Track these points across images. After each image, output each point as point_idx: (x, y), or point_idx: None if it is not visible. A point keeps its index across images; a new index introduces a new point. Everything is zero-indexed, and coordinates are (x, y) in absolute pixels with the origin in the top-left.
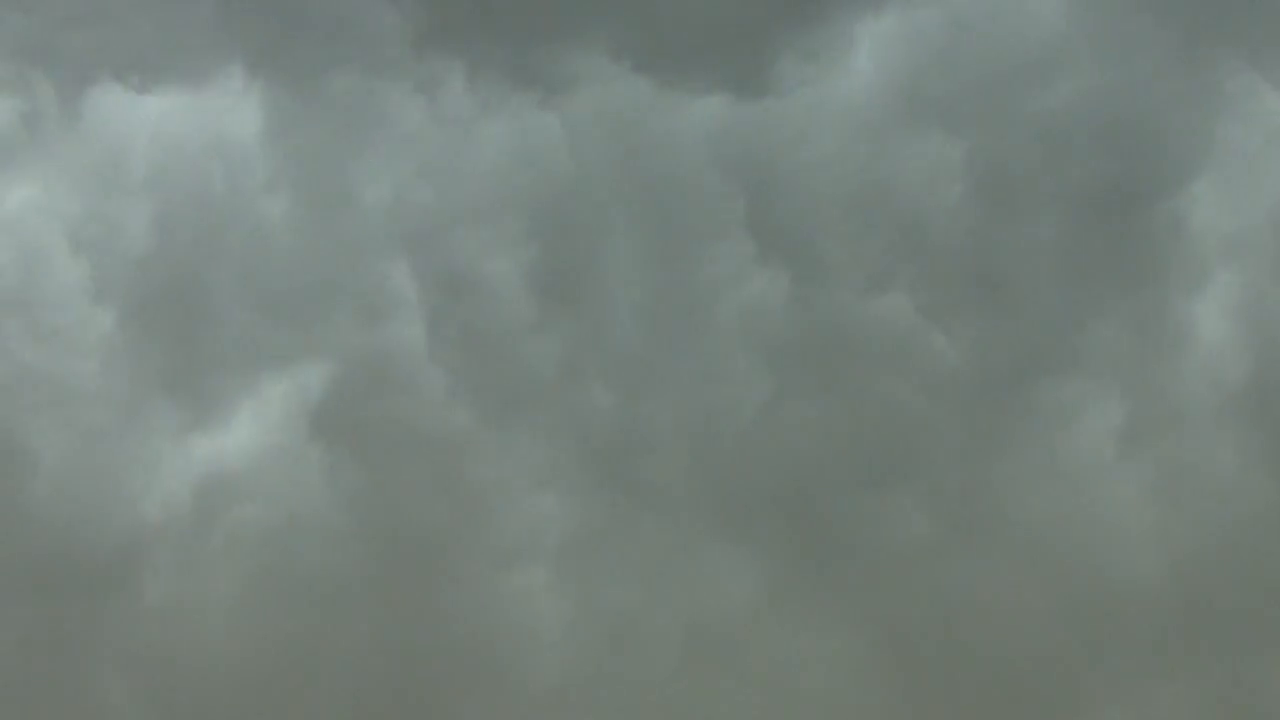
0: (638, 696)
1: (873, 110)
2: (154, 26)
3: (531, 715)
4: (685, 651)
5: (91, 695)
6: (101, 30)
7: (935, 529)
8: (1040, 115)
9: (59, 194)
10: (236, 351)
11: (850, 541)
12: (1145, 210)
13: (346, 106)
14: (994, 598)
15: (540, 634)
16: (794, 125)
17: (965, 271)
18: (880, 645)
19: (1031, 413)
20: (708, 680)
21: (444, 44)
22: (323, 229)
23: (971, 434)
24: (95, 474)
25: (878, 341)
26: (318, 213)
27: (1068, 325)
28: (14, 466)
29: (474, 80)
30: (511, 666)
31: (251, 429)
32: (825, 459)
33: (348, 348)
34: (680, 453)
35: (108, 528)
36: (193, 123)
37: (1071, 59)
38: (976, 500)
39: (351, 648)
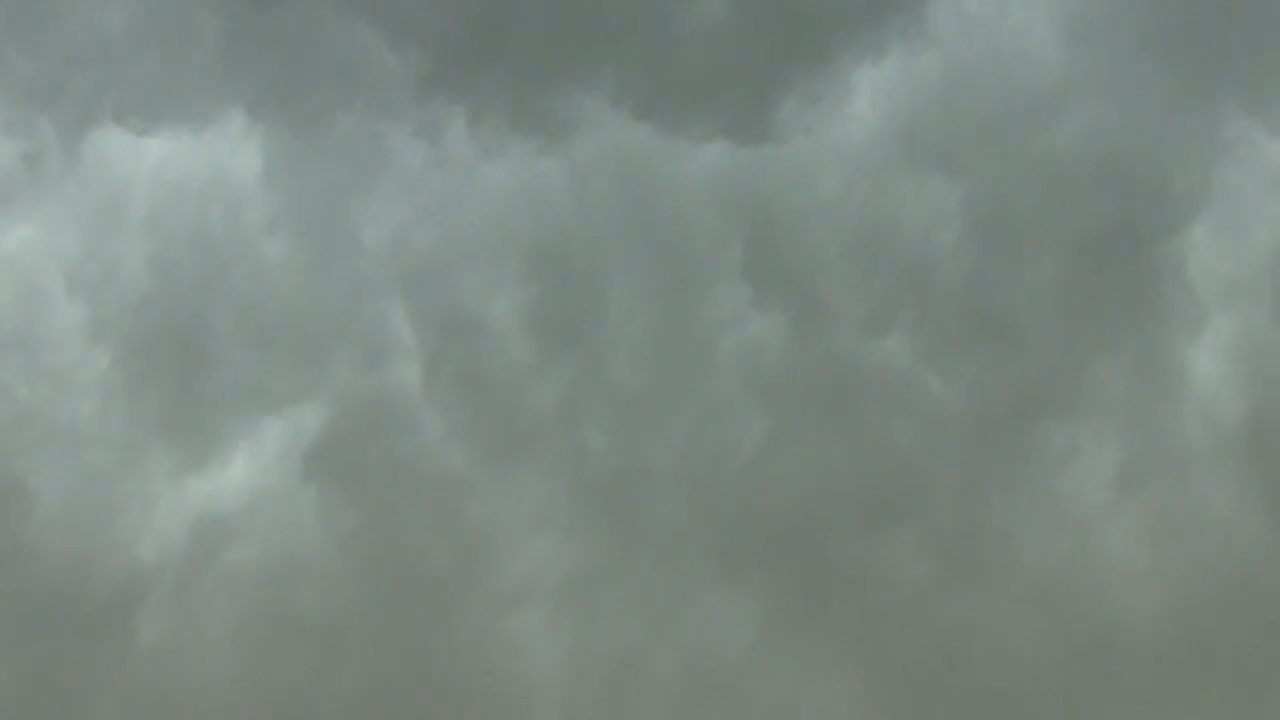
0: None
1: (872, 154)
2: (156, 69)
3: None
4: (684, 692)
5: None
6: (103, 72)
7: (934, 569)
8: (1039, 159)
9: (58, 235)
10: (234, 392)
11: (849, 581)
12: (1144, 253)
13: (348, 149)
14: (993, 638)
15: (539, 675)
16: (794, 170)
17: (964, 314)
18: (879, 685)
19: (1030, 454)
20: (706, 716)
21: (446, 88)
22: (322, 271)
23: (970, 475)
24: (92, 514)
25: (876, 383)
26: (317, 254)
27: (1066, 367)
28: (11, 505)
29: (475, 124)
30: (510, 707)
31: (248, 470)
32: (824, 499)
33: (346, 389)
34: (679, 494)
35: (104, 567)
36: (193, 164)
37: (1070, 103)
38: (975, 540)
39: (348, 689)
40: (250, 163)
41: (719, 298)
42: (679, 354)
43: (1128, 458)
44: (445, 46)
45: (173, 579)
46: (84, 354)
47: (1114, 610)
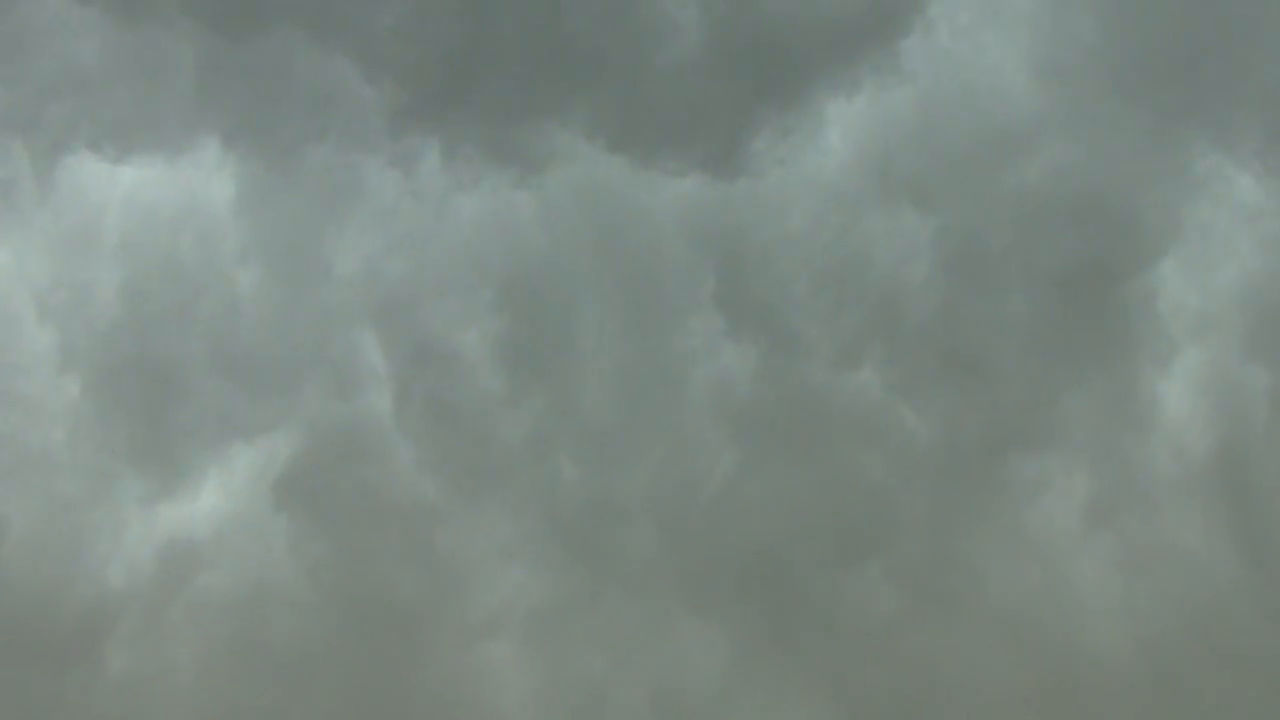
0: None
1: (844, 188)
2: (130, 98)
3: None
4: (653, 719)
5: None
6: (78, 100)
7: (903, 602)
8: (1011, 194)
9: (29, 261)
10: (204, 421)
11: (818, 613)
12: (1114, 288)
13: (321, 180)
14: (962, 670)
15: (508, 704)
16: (766, 203)
17: (935, 347)
18: (848, 716)
19: (1000, 487)
20: None
21: (420, 121)
22: (294, 300)
23: (940, 508)
24: (62, 540)
25: (847, 416)
26: (289, 284)
27: (1036, 401)
28: None
29: (450, 156)
30: None
31: (218, 498)
32: (793, 532)
33: (316, 418)
34: (648, 525)
35: (73, 595)
36: (166, 193)
37: (1042, 139)
38: (945, 573)
39: (317, 717)
40: (223, 191)
41: (691, 329)
42: (650, 385)
43: (1097, 491)
44: (420, 79)
45: (143, 606)
46: (54, 380)
47: (1083, 642)
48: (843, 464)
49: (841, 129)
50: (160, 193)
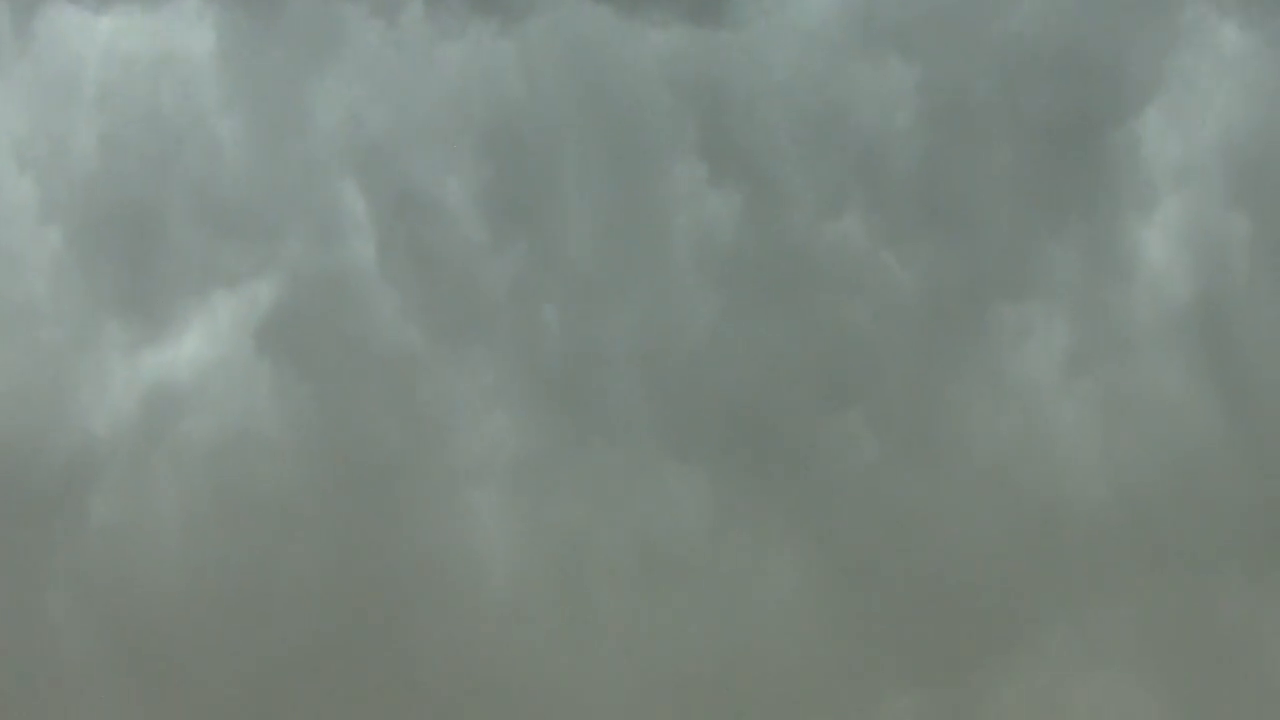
0: (589, 615)
1: (828, 36)
2: None
3: (483, 634)
4: (637, 570)
5: (39, 617)
6: None
7: (885, 450)
8: (995, 42)
9: (7, 113)
10: (186, 269)
11: (801, 461)
12: (1097, 137)
13: (303, 28)
14: (942, 518)
15: (491, 552)
16: (749, 52)
17: (918, 196)
18: (831, 564)
19: (982, 335)
20: (659, 599)
21: None
22: (275, 149)
23: (922, 356)
24: (44, 391)
25: (830, 264)
26: (270, 133)
27: (1019, 249)
28: None
29: (433, 5)
30: (463, 586)
31: (200, 345)
32: (777, 380)
33: (299, 266)
34: (632, 373)
35: (57, 444)
36: (146, 42)
37: None
38: (926, 421)
39: (301, 566)
40: (204, 40)
41: (674, 177)
42: (633, 233)
43: (1078, 338)
44: None
45: (126, 454)
46: (35, 231)
47: (1063, 489)
48: (825, 312)
49: None
50: (140, 42)
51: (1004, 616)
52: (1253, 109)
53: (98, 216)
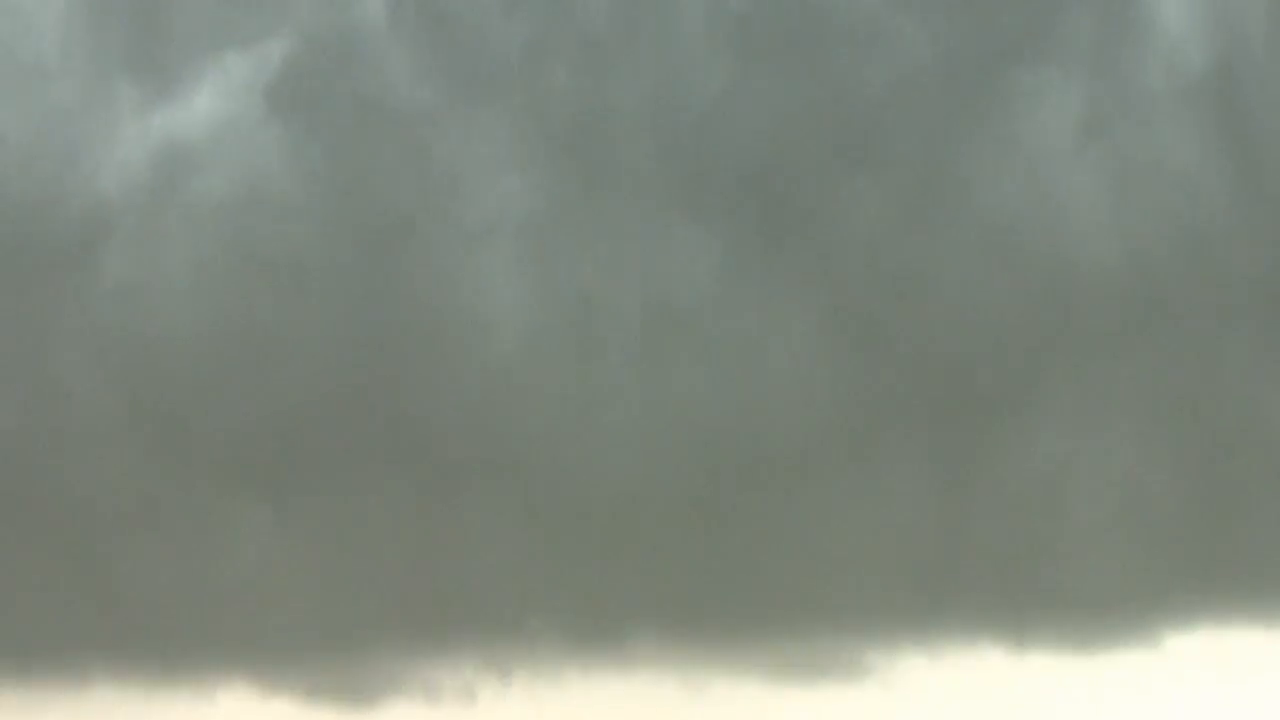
0: (597, 371)
1: None
2: None
3: (492, 389)
4: (645, 327)
5: (51, 372)
6: None
7: (896, 210)
8: None
9: None
10: (197, 28)
11: (810, 221)
12: None
13: None
14: (952, 279)
15: (502, 309)
16: None
17: None
18: (839, 324)
19: (996, 99)
20: (666, 355)
21: None
22: None
23: (935, 120)
24: (56, 150)
25: (846, 27)
26: None
27: (1035, 12)
28: None
29: None
30: (473, 341)
31: (212, 103)
32: (788, 140)
33: (310, 24)
34: (644, 134)
35: (68, 203)
36: None
37: None
38: (938, 184)
39: (310, 324)
40: None
41: None
42: None
43: (1093, 103)
44: None
45: (138, 212)
46: None
47: (1073, 254)
48: (839, 74)
49: None
50: None
51: (1013, 375)
52: None
53: None
